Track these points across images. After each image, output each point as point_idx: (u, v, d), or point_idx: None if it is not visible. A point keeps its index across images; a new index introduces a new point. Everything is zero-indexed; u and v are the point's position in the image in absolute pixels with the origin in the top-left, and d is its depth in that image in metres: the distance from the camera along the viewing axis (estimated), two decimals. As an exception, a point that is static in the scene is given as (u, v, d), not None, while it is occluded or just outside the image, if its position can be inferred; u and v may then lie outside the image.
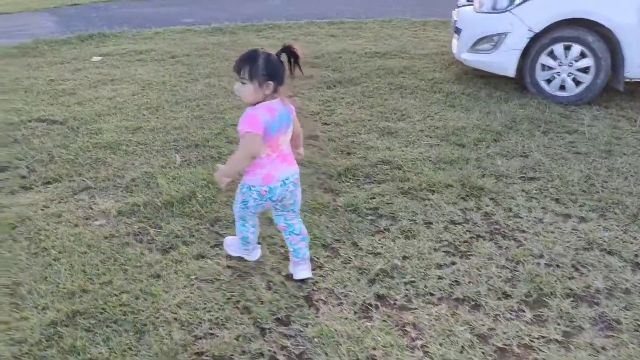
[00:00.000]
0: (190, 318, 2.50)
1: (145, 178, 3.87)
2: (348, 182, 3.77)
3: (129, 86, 6.04)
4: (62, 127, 4.84)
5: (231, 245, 2.96)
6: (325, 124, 4.86)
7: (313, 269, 2.81)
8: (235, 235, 2.86)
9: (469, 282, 2.72)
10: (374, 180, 3.78)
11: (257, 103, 2.38)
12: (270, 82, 2.35)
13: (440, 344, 2.32)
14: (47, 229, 3.25)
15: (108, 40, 8.54)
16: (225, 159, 3.96)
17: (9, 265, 2.90)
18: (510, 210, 3.38)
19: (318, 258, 2.92)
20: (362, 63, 6.78)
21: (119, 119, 5.01)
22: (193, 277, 2.78)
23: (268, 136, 2.38)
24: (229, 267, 2.87)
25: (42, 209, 3.49)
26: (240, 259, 2.92)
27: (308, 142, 4.41)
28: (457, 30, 5.81)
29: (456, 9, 6.13)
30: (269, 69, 2.33)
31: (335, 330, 2.40)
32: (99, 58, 7.32)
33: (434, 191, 3.61)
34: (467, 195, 3.55)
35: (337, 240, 3.09)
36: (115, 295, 2.65)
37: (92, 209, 3.50)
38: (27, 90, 5.93)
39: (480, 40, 5.40)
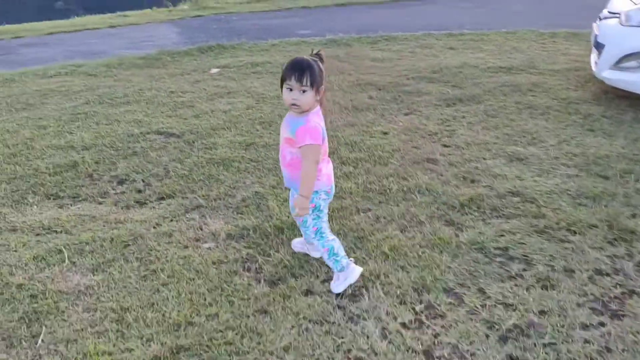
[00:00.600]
0: (298, 366, 2.28)
1: (256, 199, 3.75)
2: (472, 214, 3.41)
3: (244, 99, 6.02)
4: (178, 141, 4.86)
5: (335, 283, 2.73)
6: (445, 145, 4.51)
7: (433, 317, 2.50)
8: (337, 274, 2.72)
9: (623, 350, 2.28)
10: (503, 215, 3.38)
11: (309, 110, 2.41)
12: (323, 87, 2.41)
13: None
14: (157, 250, 3.19)
15: (226, 52, 8.68)
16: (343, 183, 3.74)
17: (119, 287, 2.84)
18: (671, 261, 2.86)
19: (439, 305, 2.60)
20: (485, 78, 6.32)
21: (233, 134, 4.96)
22: (301, 316, 2.57)
23: (323, 142, 2.47)
24: (339, 307, 2.63)
25: (154, 227, 3.45)
26: (352, 297, 2.67)
27: (426, 165, 4.09)
28: (598, 46, 5.23)
29: (597, 22, 5.54)
30: (321, 74, 2.38)
31: (462, 400, 2.07)
32: (216, 70, 7.42)
33: (574, 232, 3.15)
34: (616, 239, 3.07)
35: (460, 284, 2.75)
36: (221, 331, 2.49)
37: (202, 229, 3.41)
38: (149, 101, 6.09)
39: (626, 58, 4.81)
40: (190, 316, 2.59)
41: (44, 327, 2.57)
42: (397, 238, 3.15)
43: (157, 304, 2.69)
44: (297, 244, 3.11)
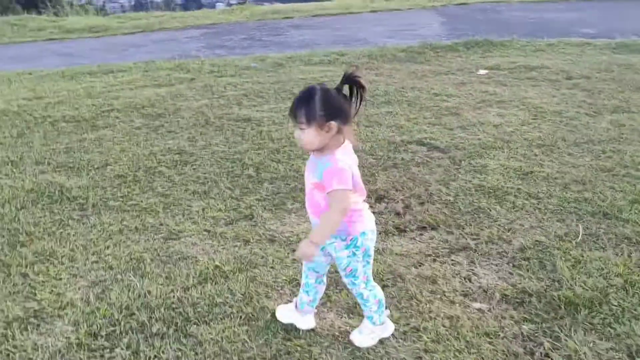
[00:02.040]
0: None
1: (537, 251, 3.08)
2: None
3: (518, 112, 5.27)
4: (443, 157, 4.36)
5: (365, 336, 2.42)
6: None
7: None
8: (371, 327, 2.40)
9: None
10: None
11: (323, 149, 2.05)
12: (333, 122, 2.00)
13: None
14: (419, 300, 2.74)
15: (495, 50, 7.91)
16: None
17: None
18: None
19: None
20: None
21: (506, 156, 4.29)
22: None
23: (355, 183, 2.09)
24: None
25: (415, 267, 3.01)
26: None
27: None
28: None
29: None
30: (327, 106, 1.99)
31: None
32: (484, 72, 6.73)
33: None
34: None
35: None
36: None
37: (470, 281, 2.87)
38: (411, 103, 5.69)
39: None
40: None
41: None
42: None
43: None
44: (284, 312, 2.58)
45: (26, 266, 3.08)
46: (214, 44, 10.05)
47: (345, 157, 2.07)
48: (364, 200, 2.24)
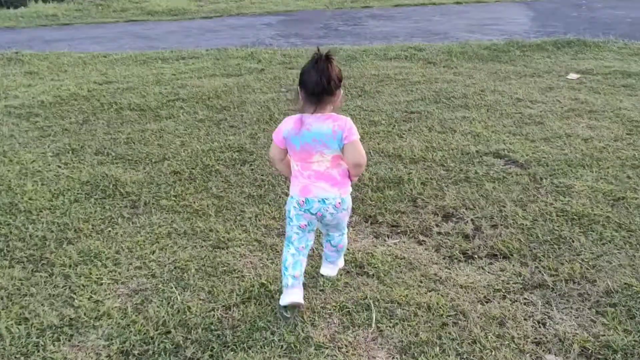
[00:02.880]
0: None
1: (626, 296, 2.68)
2: None
3: (611, 125, 4.74)
4: (521, 173, 3.95)
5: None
6: None
7: None
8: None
9: None
10: None
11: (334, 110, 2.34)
12: (300, 90, 2.32)
13: None
14: (483, 345, 2.41)
15: (588, 52, 7.25)
16: None
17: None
18: None
19: None
20: None
21: (595, 177, 3.83)
22: None
23: (291, 149, 2.39)
24: None
25: (481, 303, 2.67)
26: None
27: None
28: None
29: None
30: (301, 75, 2.30)
31: None
32: (576, 76, 6.16)
33: None
34: None
35: None
36: None
37: (544, 326, 2.51)
38: (490, 108, 5.25)
39: None
40: None
41: None
42: None
43: None
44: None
45: (70, 266, 2.98)
46: (289, 32, 9.86)
47: (290, 120, 2.38)
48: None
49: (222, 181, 3.95)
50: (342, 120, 2.33)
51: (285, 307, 2.55)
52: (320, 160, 2.39)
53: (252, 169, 4.13)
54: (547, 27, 9.06)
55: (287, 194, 3.67)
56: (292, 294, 2.49)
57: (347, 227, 2.80)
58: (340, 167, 2.44)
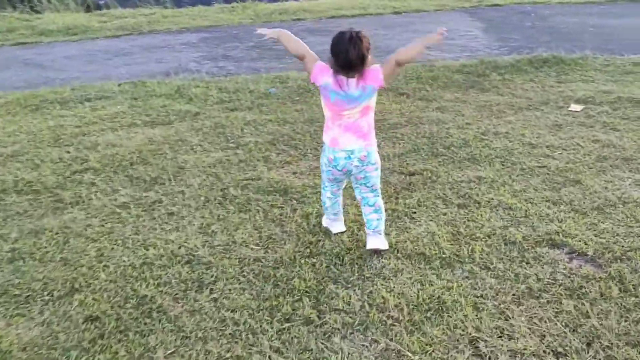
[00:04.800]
0: None
1: None
2: None
3: (668, 182, 3.68)
4: (601, 275, 2.83)
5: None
6: None
7: None
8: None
9: None
10: None
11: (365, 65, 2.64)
12: (333, 60, 2.64)
13: None
14: None
15: (571, 72, 6.33)
16: None
17: None
18: None
19: None
20: None
21: None
22: None
23: (325, 96, 2.74)
24: None
25: None
26: None
27: None
28: None
29: None
30: (334, 47, 2.61)
31: None
32: (579, 108, 5.16)
33: None
34: None
35: None
36: None
37: None
38: (505, 161, 4.12)
39: None
40: None
41: None
42: None
43: None
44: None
45: None
46: (216, 53, 8.38)
47: (329, 72, 2.70)
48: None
49: (172, 329, 2.49)
50: (366, 75, 2.65)
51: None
52: (350, 114, 2.72)
53: (215, 300, 2.70)
54: (507, 41, 8.15)
55: (279, 351, 2.31)
56: (336, 226, 3.15)
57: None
58: (368, 116, 2.78)
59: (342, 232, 3.13)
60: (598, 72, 6.24)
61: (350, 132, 2.75)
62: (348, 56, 2.56)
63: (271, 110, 5.37)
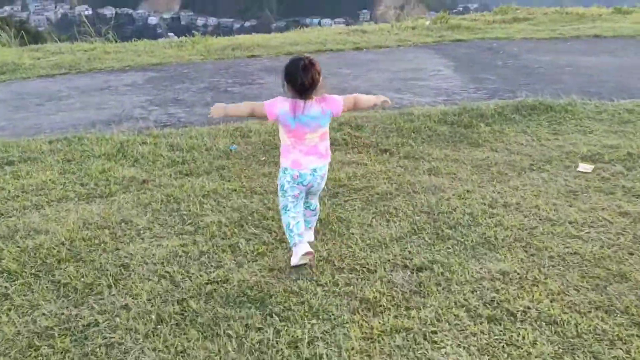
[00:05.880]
0: None
1: None
2: None
3: None
4: None
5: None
6: None
7: None
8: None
9: None
10: None
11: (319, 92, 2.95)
12: (287, 84, 2.92)
13: None
14: None
15: (563, 121, 5.77)
16: None
17: None
18: None
19: None
20: None
21: None
22: None
23: (285, 126, 2.97)
24: None
25: None
26: None
27: None
28: None
29: None
30: (287, 75, 2.90)
31: None
32: (589, 167, 4.54)
33: None
34: None
35: None
36: None
37: None
38: (527, 246, 3.41)
39: None
40: None
41: None
42: None
43: None
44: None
45: None
46: (165, 96, 7.47)
47: (285, 101, 2.96)
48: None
49: None
50: (325, 100, 2.97)
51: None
52: (312, 137, 2.99)
53: None
54: (483, 82, 7.59)
55: None
56: (303, 248, 3.06)
57: None
58: (326, 140, 3.08)
59: (308, 255, 3.08)
60: (593, 121, 5.68)
61: (312, 154, 3.00)
62: (303, 79, 2.80)
63: (234, 176, 4.50)
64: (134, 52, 10.60)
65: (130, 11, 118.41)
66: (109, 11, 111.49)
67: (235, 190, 4.20)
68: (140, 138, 5.37)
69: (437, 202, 3.98)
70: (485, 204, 3.92)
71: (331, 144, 4.12)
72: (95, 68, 9.39)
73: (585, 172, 4.47)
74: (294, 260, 3.08)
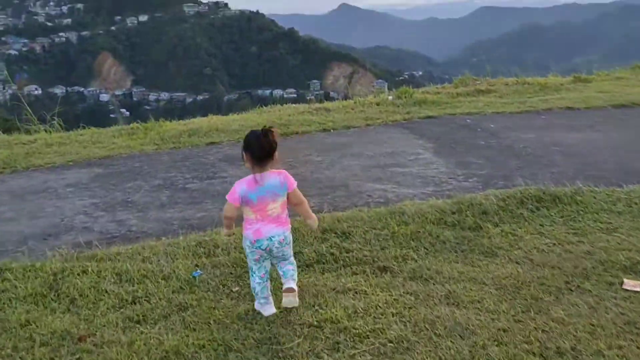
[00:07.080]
0: None
1: None
2: None
3: None
4: None
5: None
6: None
7: None
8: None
9: None
10: None
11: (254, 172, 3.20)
12: (246, 154, 3.17)
13: None
14: None
15: (577, 215, 5.06)
16: None
17: None
18: None
19: None
20: None
21: None
22: None
23: (248, 203, 3.22)
24: None
25: None
26: None
27: None
28: None
29: None
30: (247, 145, 3.17)
31: None
32: (633, 284, 3.71)
33: None
34: None
35: None
36: None
37: None
38: None
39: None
40: None
41: None
42: None
43: None
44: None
45: None
46: (113, 199, 6.46)
47: (243, 182, 3.26)
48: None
49: None
50: (283, 174, 3.27)
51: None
52: (274, 207, 3.23)
53: None
54: (471, 167, 6.90)
55: None
56: (268, 309, 3.44)
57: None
58: (286, 211, 3.32)
59: (274, 313, 3.31)
60: (613, 215, 4.96)
61: (272, 223, 3.25)
62: (262, 146, 3.08)
63: (200, 322, 3.49)
64: (79, 143, 9.58)
65: (82, 89, 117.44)
66: (59, 89, 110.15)
67: (204, 347, 3.18)
68: (79, 266, 4.30)
69: (471, 351, 3.05)
70: (532, 353, 3.01)
71: (318, 261, 3.85)
72: (33, 165, 8.29)
73: (635, 291, 3.64)
74: (257, 307, 3.51)
